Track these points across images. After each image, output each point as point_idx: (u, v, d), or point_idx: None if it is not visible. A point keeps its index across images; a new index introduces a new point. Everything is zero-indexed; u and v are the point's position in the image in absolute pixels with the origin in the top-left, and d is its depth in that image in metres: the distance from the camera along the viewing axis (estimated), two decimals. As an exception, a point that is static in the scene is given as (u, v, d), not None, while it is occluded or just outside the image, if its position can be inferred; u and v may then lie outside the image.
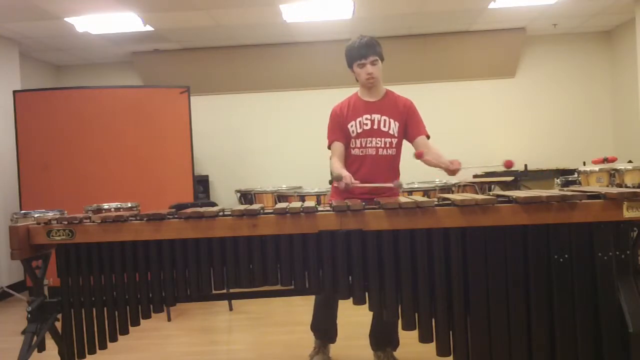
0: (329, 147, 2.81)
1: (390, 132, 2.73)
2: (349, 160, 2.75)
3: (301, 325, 3.72)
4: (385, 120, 2.72)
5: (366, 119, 2.72)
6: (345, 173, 2.53)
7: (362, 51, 2.66)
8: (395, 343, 2.91)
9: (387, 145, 2.73)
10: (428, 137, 2.82)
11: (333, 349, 3.05)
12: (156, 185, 4.99)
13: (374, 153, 2.72)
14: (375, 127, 2.72)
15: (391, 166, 2.79)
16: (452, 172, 2.62)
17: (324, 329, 2.98)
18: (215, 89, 6.45)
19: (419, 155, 2.68)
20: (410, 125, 2.79)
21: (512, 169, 5.85)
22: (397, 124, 2.74)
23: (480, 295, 2.02)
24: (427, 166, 2.75)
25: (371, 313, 2.19)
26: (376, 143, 2.72)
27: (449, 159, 2.62)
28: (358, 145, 2.73)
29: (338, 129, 2.76)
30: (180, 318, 4.19)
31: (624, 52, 5.99)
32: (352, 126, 2.73)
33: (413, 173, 5.77)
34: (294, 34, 5.83)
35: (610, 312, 1.96)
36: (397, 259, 2.07)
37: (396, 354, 2.93)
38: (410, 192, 4.64)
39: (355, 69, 2.72)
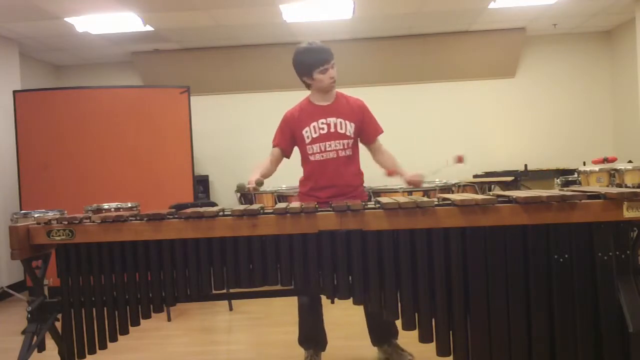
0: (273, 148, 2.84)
1: (347, 133, 2.73)
2: (310, 167, 2.77)
3: (301, 325, 3.72)
4: (341, 123, 2.72)
5: (322, 123, 2.72)
6: (251, 178, 2.58)
7: (325, 55, 2.65)
8: (395, 333, 2.89)
9: (345, 147, 2.73)
10: (382, 132, 2.84)
11: (333, 348, 3.03)
12: (156, 185, 4.99)
13: (334, 156, 2.72)
14: (332, 130, 2.71)
15: (351, 165, 2.78)
16: (415, 185, 2.69)
17: (314, 337, 2.89)
18: (215, 89, 6.45)
19: (390, 174, 2.77)
20: (366, 126, 2.79)
21: (512, 169, 5.87)
22: (352, 125, 2.74)
23: (480, 295, 2.02)
24: (422, 167, 2.81)
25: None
26: (335, 146, 2.72)
27: (413, 172, 2.70)
28: (317, 150, 2.72)
29: (284, 134, 2.79)
30: (180, 318, 4.19)
31: (624, 52, 5.99)
32: (306, 132, 2.73)
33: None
34: (294, 34, 5.82)
35: (610, 312, 1.96)
36: (397, 259, 2.07)
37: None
38: (410, 192, 4.64)
39: (316, 75, 2.67)
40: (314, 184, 2.76)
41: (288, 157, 2.86)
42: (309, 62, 2.67)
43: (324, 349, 2.91)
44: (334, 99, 2.78)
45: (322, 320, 2.91)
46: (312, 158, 2.74)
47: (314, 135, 2.72)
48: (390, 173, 2.75)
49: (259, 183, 2.57)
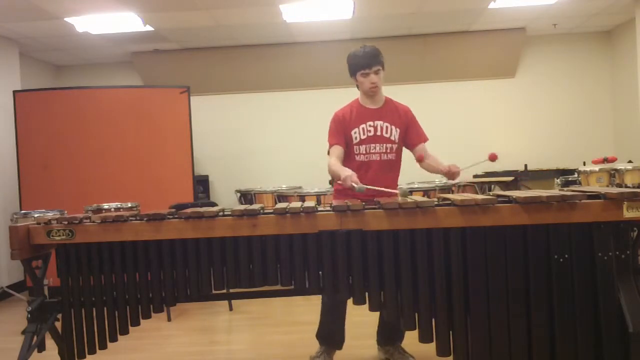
0: (329, 151, 2.83)
1: (392, 138, 2.80)
2: (353, 166, 2.77)
3: (301, 325, 3.72)
4: (387, 127, 2.80)
5: (369, 125, 2.79)
6: (348, 172, 2.54)
7: (367, 61, 2.73)
8: (402, 336, 2.93)
9: (389, 151, 2.80)
10: (427, 140, 2.92)
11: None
12: (156, 185, 4.99)
13: (377, 158, 2.79)
14: (378, 133, 2.78)
15: (393, 170, 2.87)
16: (452, 175, 2.70)
17: (333, 334, 2.91)
18: (215, 89, 6.45)
19: (419, 159, 2.81)
20: (410, 132, 2.88)
21: (512, 169, 5.87)
22: (397, 130, 2.81)
23: (480, 295, 2.02)
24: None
25: (371, 313, 2.19)
26: (379, 149, 2.79)
27: (448, 163, 2.71)
28: (362, 151, 2.79)
29: (340, 133, 2.81)
30: (180, 318, 4.19)
31: (624, 52, 5.99)
32: (355, 132, 2.79)
33: (413, 173, 5.79)
34: (294, 34, 5.82)
35: (610, 312, 1.96)
36: (397, 259, 2.07)
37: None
38: (410, 192, 4.63)
39: (358, 77, 2.77)
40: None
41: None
42: (354, 63, 2.77)
43: (340, 347, 2.93)
44: (382, 103, 2.85)
45: (344, 321, 2.91)
46: (357, 158, 2.79)
47: (362, 137, 2.78)
48: (420, 158, 2.81)
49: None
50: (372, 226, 2.07)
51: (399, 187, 2.69)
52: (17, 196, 5.04)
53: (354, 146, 2.79)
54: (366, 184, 2.64)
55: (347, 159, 2.82)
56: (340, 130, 2.81)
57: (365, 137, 2.78)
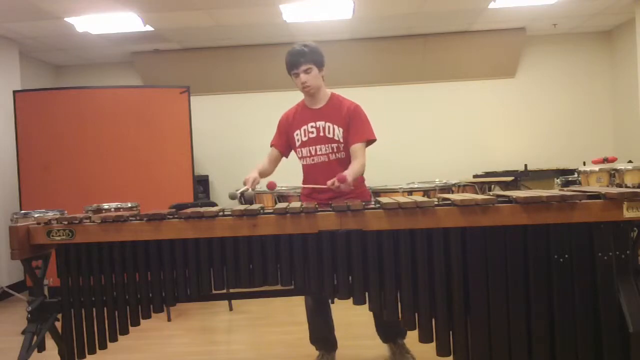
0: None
1: (335, 137, 2.70)
2: (303, 170, 2.79)
3: (301, 325, 3.71)
4: (329, 127, 2.70)
5: (311, 126, 2.72)
6: (252, 175, 2.62)
7: (294, 60, 2.63)
8: (403, 332, 2.90)
9: (335, 150, 2.71)
10: (374, 140, 2.71)
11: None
12: (156, 185, 4.99)
13: (326, 159, 2.72)
14: (321, 134, 2.70)
15: (346, 167, 2.67)
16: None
17: (323, 337, 2.91)
18: (215, 89, 6.45)
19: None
20: (350, 131, 2.68)
21: (512, 169, 5.87)
22: (341, 129, 2.69)
23: (480, 295, 2.02)
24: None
25: (369, 313, 2.19)
26: (325, 150, 2.71)
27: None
28: (306, 154, 2.73)
29: (281, 135, 2.82)
30: (180, 318, 4.19)
31: (624, 52, 5.99)
32: (297, 135, 2.75)
33: (414, 173, 5.78)
34: (294, 34, 5.82)
35: (610, 312, 1.96)
36: (397, 259, 2.07)
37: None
38: (410, 192, 4.64)
39: (293, 78, 2.70)
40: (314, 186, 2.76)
41: (286, 156, 2.88)
42: (286, 64, 2.69)
43: (335, 347, 2.91)
44: (325, 101, 2.75)
45: (331, 320, 2.91)
46: (302, 162, 2.77)
47: (304, 139, 2.73)
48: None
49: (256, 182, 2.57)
50: (372, 226, 2.07)
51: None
52: (17, 196, 5.04)
53: (297, 149, 2.74)
54: (314, 187, 2.70)
55: (301, 163, 2.81)
56: (283, 132, 2.81)
57: (307, 138, 2.71)
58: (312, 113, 2.75)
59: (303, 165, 2.80)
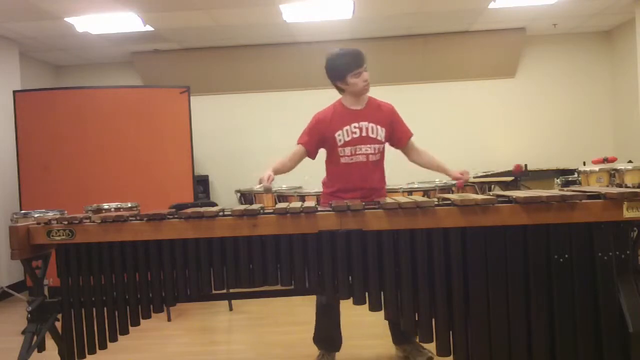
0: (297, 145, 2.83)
1: (379, 138, 2.76)
2: (338, 168, 2.78)
3: (301, 325, 3.72)
4: (372, 127, 2.75)
5: (355, 127, 2.74)
6: (269, 170, 2.60)
7: (358, 60, 2.69)
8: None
9: (375, 151, 2.76)
10: (412, 135, 2.88)
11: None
12: (156, 185, 4.99)
13: (364, 160, 2.75)
14: (364, 134, 2.74)
15: (378, 170, 2.83)
16: (461, 182, 2.73)
17: (329, 337, 2.90)
18: (215, 89, 6.45)
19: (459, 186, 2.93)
20: (396, 130, 2.83)
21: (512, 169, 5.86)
22: (383, 129, 2.77)
23: (480, 295, 2.02)
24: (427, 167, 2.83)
25: (371, 313, 2.19)
26: (366, 150, 2.74)
27: (445, 164, 2.77)
28: (347, 153, 2.75)
29: (313, 135, 2.78)
30: (180, 318, 4.19)
31: (624, 52, 5.98)
32: (339, 135, 2.74)
33: (414, 173, 5.78)
34: (294, 34, 5.82)
35: (610, 312, 1.96)
36: (397, 259, 2.07)
37: (394, 353, 2.93)
38: (410, 192, 4.64)
39: (350, 79, 2.70)
40: (341, 186, 2.76)
41: (312, 158, 2.86)
42: (342, 66, 2.71)
43: (338, 349, 2.91)
44: (365, 103, 2.81)
45: (339, 322, 2.90)
46: (342, 160, 2.76)
47: (347, 139, 2.74)
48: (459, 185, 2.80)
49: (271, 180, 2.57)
50: (372, 226, 2.07)
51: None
52: (17, 196, 5.03)
53: (339, 148, 2.75)
54: (349, 186, 2.70)
55: (331, 162, 2.82)
56: (316, 132, 2.78)
57: (350, 138, 2.73)
58: (354, 114, 2.77)
59: (340, 164, 2.76)
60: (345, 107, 2.80)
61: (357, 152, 2.74)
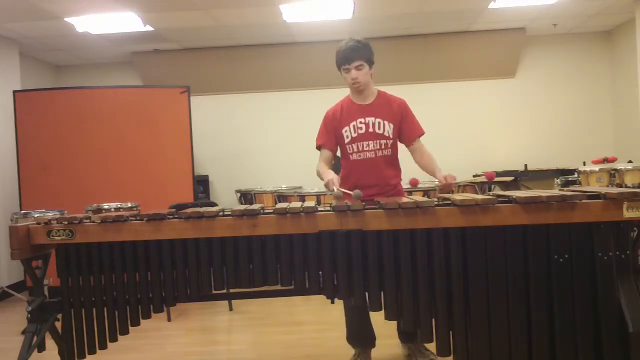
0: (318, 148, 2.81)
1: (385, 134, 2.71)
2: (350, 165, 2.76)
3: (301, 325, 3.73)
4: (379, 123, 2.70)
5: (360, 122, 2.70)
6: (330, 175, 2.54)
7: (347, 55, 2.65)
8: None
9: (383, 147, 2.71)
10: (423, 133, 2.79)
11: (334, 348, 3.03)
12: (156, 185, 4.99)
13: (372, 156, 2.71)
14: (370, 130, 2.70)
15: (391, 165, 2.77)
16: (447, 187, 2.52)
17: (363, 334, 2.86)
18: (215, 89, 6.45)
19: (413, 184, 2.69)
20: (404, 126, 2.75)
21: (512, 169, 5.87)
22: (391, 125, 2.71)
23: (480, 295, 2.02)
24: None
25: (373, 313, 2.19)
26: (373, 146, 2.70)
27: (442, 170, 2.61)
28: (355, 149, 2.72)
29: (329, 133, 2.76)
30: (180, 318, 4.19)
31: (624, 52, 5.98)
32: (346, 131, 2.72)
33: (414, 173, 5.78)
34: (294, 34, 5.83)
35: (610, 312, 1.96)
36: (397, 259, 2.07)
37: (394, 353, 2.92)
38: (410, 192, 4.64)
39: (342, 73, 2.70)
40: (357, 182, 2.71)
41: (335, 154, 2.82)
42: (337, 58, 2.70)
43: (373, 345, 2.87)
44: (373, 98, 2.75)
45: (369, 317, 2.85)
46: (351, 157, 2.74)
47: (353, 135, 2.71)
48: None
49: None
50: (372, 226, 2.07)
51: (354, 190, 2.48)
52: (17, 196, 5.03)
53: (346, 145, 2.73)
54: (364, 183, 2.66)
55: (344, 158, 2.80)
56: (330, 130, 2.76)
57: (356, 134, 2.70)
58: (361, 109, 2.73)
59: (351, 161, 2.74)
60: (352, 102, 2.77)
61: (364, 149, 2.70)
